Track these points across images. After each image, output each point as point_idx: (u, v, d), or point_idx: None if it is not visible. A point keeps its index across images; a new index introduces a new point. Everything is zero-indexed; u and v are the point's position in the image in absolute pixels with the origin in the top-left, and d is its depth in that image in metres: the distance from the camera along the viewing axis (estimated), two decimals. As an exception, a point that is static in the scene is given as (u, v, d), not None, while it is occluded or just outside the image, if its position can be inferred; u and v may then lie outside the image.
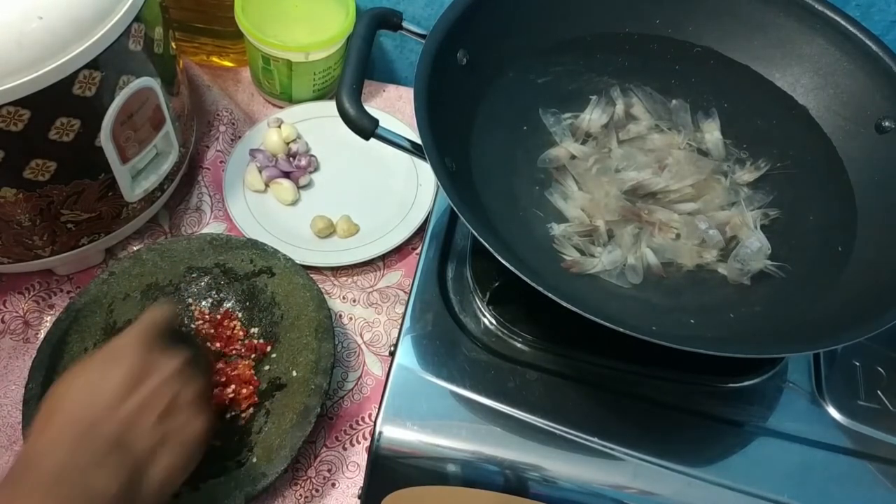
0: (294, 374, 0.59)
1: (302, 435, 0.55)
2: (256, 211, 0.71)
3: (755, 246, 0.50)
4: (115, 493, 0.39)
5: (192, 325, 0.62)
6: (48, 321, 0.63)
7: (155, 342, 0.46)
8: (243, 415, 0.57)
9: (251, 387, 0.58)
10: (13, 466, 0.39)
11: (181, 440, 0.44)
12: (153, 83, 0.58)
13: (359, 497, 0.56)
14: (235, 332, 0.62)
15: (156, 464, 0.42)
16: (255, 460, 0.55)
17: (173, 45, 0.63)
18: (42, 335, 0.62)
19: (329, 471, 0.58)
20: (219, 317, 0.62)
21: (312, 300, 0.61)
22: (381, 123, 0.46)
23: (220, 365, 0.59)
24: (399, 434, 0.47)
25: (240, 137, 0.76)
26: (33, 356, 0.57)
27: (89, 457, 0.39)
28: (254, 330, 0.62)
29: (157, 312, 0.49)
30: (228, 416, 0.57)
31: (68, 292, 0.65)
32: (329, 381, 0.57)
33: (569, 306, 0.39)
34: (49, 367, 0.57)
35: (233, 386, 0.58)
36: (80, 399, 0.42)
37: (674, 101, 0.58)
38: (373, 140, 0.47)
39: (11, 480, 0.38)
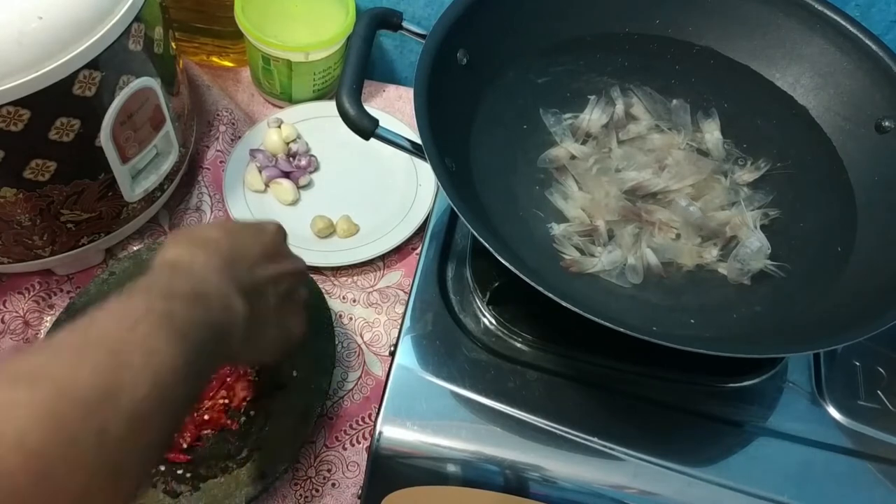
0: (294, 374, 0.59)
1: (302, 435, 0.55)
2: (256, 211, 0.71)
3: (755, 246, 0.50)
4: (242, 326, 0.40)
5: None
6: (48, 321, 0.63)
7: (285, 242, 0.49)
8: (243, 415, 0.57)
9: (247, 381, 0.58)
10: (151, 275, 0.39)
11: (289, 325, 0.47)
12: (153, 83, 0.58)
13: (359, 497, 0.56)
14: None
15: (268, 330, 0.44)
16: (255, 460, 0.55)
17: (173, 45, 0.63)
18: (42, 335, 0.62)
19: (329, 471, 0.58)
20: None
21: (313, 300, 0.61)
22: (381, 123, 0.46)
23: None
24: (399, 434, 0.47)
25: (240, 137, 0.76)
26: (33, 356, 0.57)
27: (231, 287, 0.40)
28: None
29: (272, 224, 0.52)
30: (228, 417, 0.57)
31: (68, 292, 0.65)
32: (329, 382, 0.57)
33: (569, 306, 0.39)
34: (49, 367, 0.57)
35: (228, 380, 0.58)
36: (225, 244, 0.43)
37: (674, 101, 0.58)
38: (373, 140, 0.47)
39: (155, 285, 0.38)
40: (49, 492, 0.28)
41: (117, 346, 0.32)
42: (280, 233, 0.48)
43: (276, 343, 0.46)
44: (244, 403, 0.58)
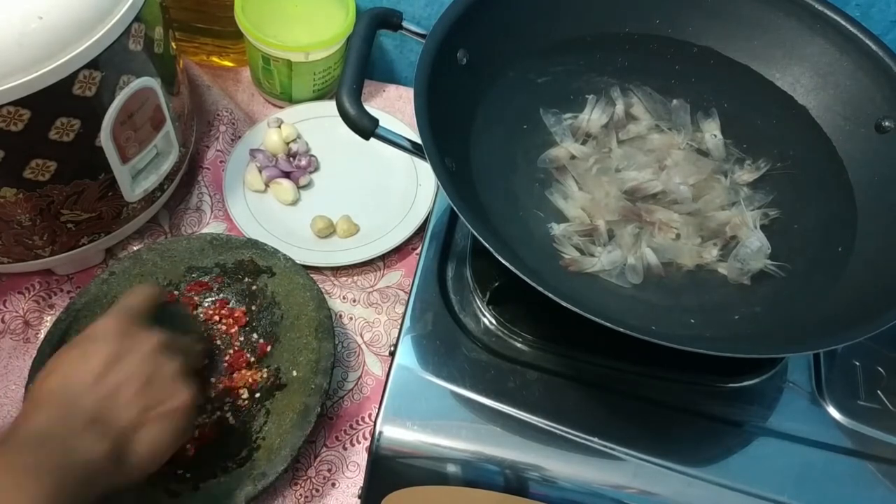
0: (294, 373, 0.59)
1: (302, 434, 0.55)
2: (256, 211, 0.71)
3: (755, 245, 0.50)
4: (97, 460, 0.40)
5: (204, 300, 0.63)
6: (48, 321, 0.63)
7: (134, 323, 0.48)
8: (243, 414, 0.57)
9: (251, 381, 0.58)
10: (2, 433, 0.40)
11: (164, 413, 0.45)
12: (153, 83, 0.58)
13: (359, 497, 0.56)
14: (236, 317, 0.62)
15: (140, 436, 0.44)
16: (255, 460, 0.55)
17: (173, 45, 0.63)
18: (42, 335, 0.62)
19: (329, 470, 0.58)
20: (217, 304, 0.63)
21: (312, 300, 0.61)
22: (381, 123, 0.46)
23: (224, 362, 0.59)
24: (399, 434, 0.47)
25: (240, 137, 0.76)
26: (33, 356, 0.57)
27: (70, 428, 0.41)
28: (254, 335, 0.62)
29: (138, 293, 0.52)
30: (229, 417, 0.57)
31: (68, 292, 0.65)
32: (329, 381, 0.57)
33: (569, 306, 0.39)
34: (49, 367, 0.57)
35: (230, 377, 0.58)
36: (60, 379, 0.44)
37: (674, 101, 0.58)
38: (373, 140, 0.47)
39: (7, 440, 0.40)
40: None
41: None
42: (115, 326, 0.47)
43: (160, 441, 0.45)
44: (243, 403, 0.58)
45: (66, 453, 0.40)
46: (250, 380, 0.59)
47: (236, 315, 0.62)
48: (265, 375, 0.59)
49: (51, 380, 0.44)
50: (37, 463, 0.38)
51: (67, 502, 0.37)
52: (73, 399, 0.43)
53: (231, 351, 0.61)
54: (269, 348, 0.61)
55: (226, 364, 0.60)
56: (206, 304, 0.63)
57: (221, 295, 0.63)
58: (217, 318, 0.62)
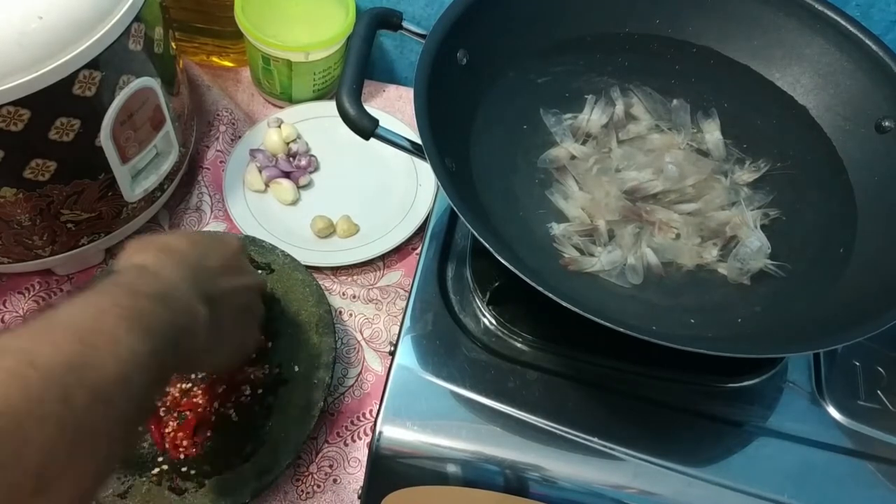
0: (296, 369, 0.59)
1: (305, 429, 0.55)
2: (256, 211, 0.71)
3: (755, 245, 0.50)
4: (205, 333, 0.41)
5: None
6: (48, 321, 0.63)
7: (247, 258, 0.53)
8: (246, 411, 0.57)
9: (253, 377, 0.59)
10: (116, 275, 0.40)
11: (246, 335, 0.50)
12: (153, 83, 0.58)
13: (359, 497, 0.56)
14: None
15: (224, 338, 0.45)
16: (259, 456, 0.55)
17: (173, 45, 0.63)
18: (42, 335, 0.62)
19: (331, 466, 0.58)
20: None
21: (312, 295, 0.62)
22: (381, 123, 0.46)
23: None
24: (399, 434, 0.47)
25: (240, 137, 0.76)
26: (33, 356, 0.57)
27: (194, 294, 0.41)
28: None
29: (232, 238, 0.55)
30: (232, 413, 0.57)
31: (68, 292, 0.65)
32: (331, 376, 0.57)
33: (569, 306, 0.39)
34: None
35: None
36: (190, 252, 0.44)
37: (674, 101, 0.58)
38: (373, 140, 0.47)
39: (121, 284, 0.39)
40: (15, 444, 0.28)
41: (83, 332, 0.33)
42: (241, 248, 0.51)
43: (231, 352, 0.49)
44: (248, 399, 0.58)
45: (179, 315, 0.39)
46: (252, 376, 0.59)
47: None
48: (267, 371, 0.59)
49: (181, 249, 0.44)
50: (152, 316, 0.37)
51: (163, 359, 0.36)
52: (200, 272, 0.43)
53: None
54: (269, 344, 0.61)
55: None
56: None
57: None
58: None
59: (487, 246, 0.41)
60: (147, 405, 0.40)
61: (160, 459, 0.55)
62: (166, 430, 0.56)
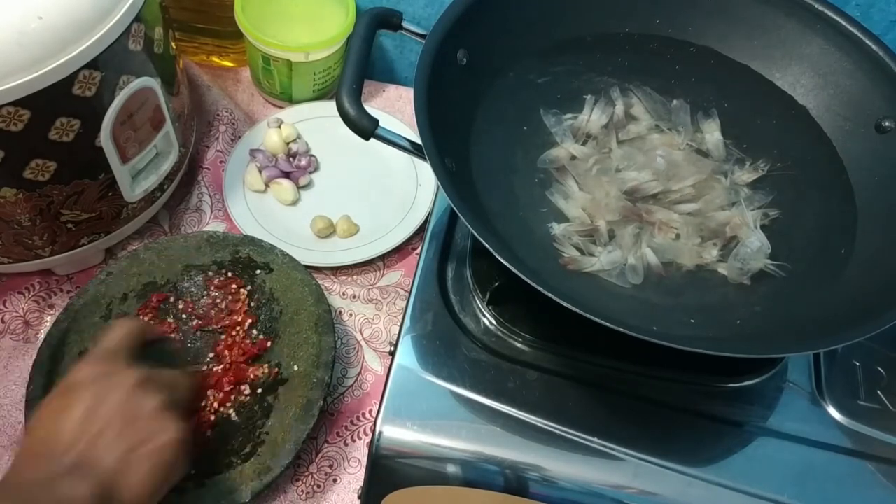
0: (295, 368, 0.59)
1: (305, 429, 0.55)
2: (256, 211, 0.71)
3: (755, 245, 0.50)
4: (86, 500, 0.40)
5: (203, 299, 0.63)
6: (48, 321, 0.63)
7: (113, 363, 0.48)
8: (246, 410, 0.57)
9: (252, 377, 0.59)
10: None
11: (150, 451, 0.44)
12: (153, 83, 0.58)
13: (359, 497, 0.56)
14: (241, 298, 0.62)
15: (129, 478, 0.43)
16: (259, 455, 0.55)
17: (173, 45, 0.63)
18: (42, 335, 0.62)
19: (331, 466, 0.58)
20: (222, 279, 0.63)
21: (311, 295, 0.62)
22: (381, 123, 0.46)
23: (219, 367, 0.59)
24: (399, 434, 0.47)
25: (240, 137, 0.76)
26: (33, 357, 0.57)
27: (52, 474, 0.41)
28: (254, 330, 0.62)
29: (118, 329, 0.51)
30: (232, 413, 0.57)
31: (68, 292, 0.65)
32: (331, 375, 0.57)
33: (569, 306, 0.39)
34: (49, 368, 0.57)
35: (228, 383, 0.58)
36: (44, 433, 0.44)
37: (674, 101, 0.58)
38: (373, 140, 0.47)
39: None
40: None
41: None
42: (97, 364, 0.47)
43: (150, 478, 0.44)
44: (247, 399, 0.58)
45: (48, 499, 0.39)
46: (252, 375, 0.59)
47: (241, 297, 0.62)
48: (266, 371, 0.59)
49: (35, 435, 0.44)
50: None
51: None
52: (56, 448, 0.43)
53: (231, 341, 0.60)
54: (269, 344, 0.61)
55: (228, 360, 0.59)
56: (205, 302, 0.63)
57: (219, 280, 0.64)
58: (220, 300, 0.63)
59: (487, 246, 0.41)
60: None
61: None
62: None
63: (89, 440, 0.43)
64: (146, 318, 0.61)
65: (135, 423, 0.45)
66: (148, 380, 0.48)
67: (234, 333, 0.61)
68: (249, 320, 0.62)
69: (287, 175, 0.73)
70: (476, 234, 0.42)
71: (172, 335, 0.60)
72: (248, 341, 0.61)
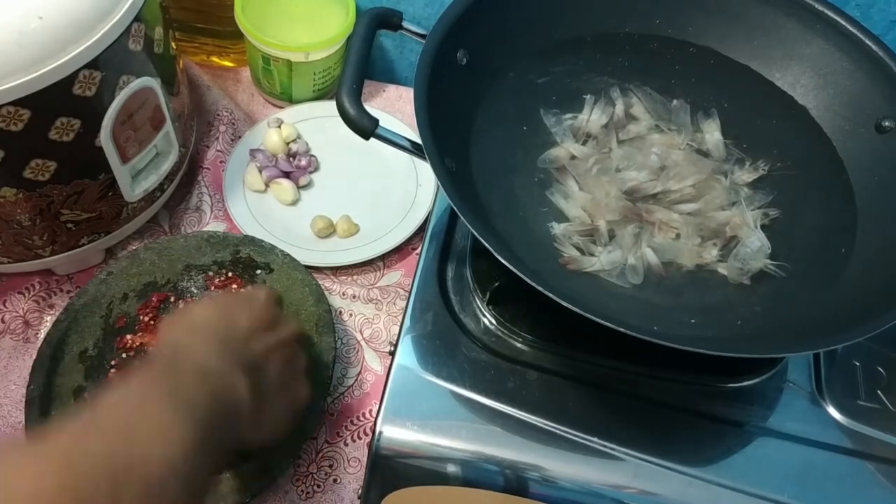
0: (295, 369, 0.59)
1: (305, 429, 0.55)
2: (256, 211, 0.71)
3: (755, 245, 0.50)
4: (248, 404, 0.40)
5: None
6: (48, 321, 0.63)
7: (279, 307, 0.51)
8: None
9: None
10: (152, 358, 0.41)
11: (294, 396, 0.48)
12: (153, 83, 0.58)
13: (359, 497, 0.56)
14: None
15: (274, 404, 0.45)
16: (259, 456, 0.55)
17: (173, 45, 0.63)
18: (42, 335, 0.62)
19: (331, 466, 0.58)
20: (222, 279, 0.63)
21: (311, 295, 0.62)
22: (381, 123, 0.46)
23: None
24: (399, 434, 0.47)
25: (240, 137, 0.76)
26: (33, 357, 0.57)
27: (232, 365, 0.41)
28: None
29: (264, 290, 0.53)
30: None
31: (68, 292, 0.65)
32: (331, 375, 0.57)
33: (569, 306, 0.39)
34: (49, 368, 0.57)
35: None
36: (220, 324, 0.45)
37: (674, 102, 0.58)
38: (373, 140, 0.47)
39: (159, 365, 0.39)
40: None
41: (126, 424, 0.33)
42: (270, 300, 0.50)
43: (284, 414, 0.47)
44: None
45: (219, 388, 0.39)
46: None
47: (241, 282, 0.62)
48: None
49: (208, 320, 0.44)
50: (193, 395, 0.37)
51: (212, 437, 0.36)
52: (231, 338, 0.43)
53: None
54: None
55: None
56: (212, 292, 0.63)
57: (219, 292, 0.63)
58: (223, 283, 0.63)
59: (487, 246, 0.41)
60: (201, 486, 0.38)
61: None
62: None
63: (261, 351, 0.45)
64: (146, 319, 0.61)
65: (293, 362, 0.48)
66: (300, 337, 0.51)
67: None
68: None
69: (287, 175, 0.73)
70: (476, 234, 0.42)
71: None
72: None
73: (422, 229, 0.70)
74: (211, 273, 0.64)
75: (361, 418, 0.61)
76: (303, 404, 0.49)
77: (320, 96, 0.81)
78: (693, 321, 0.48)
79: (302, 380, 0.50)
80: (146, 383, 0.36)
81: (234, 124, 0.77)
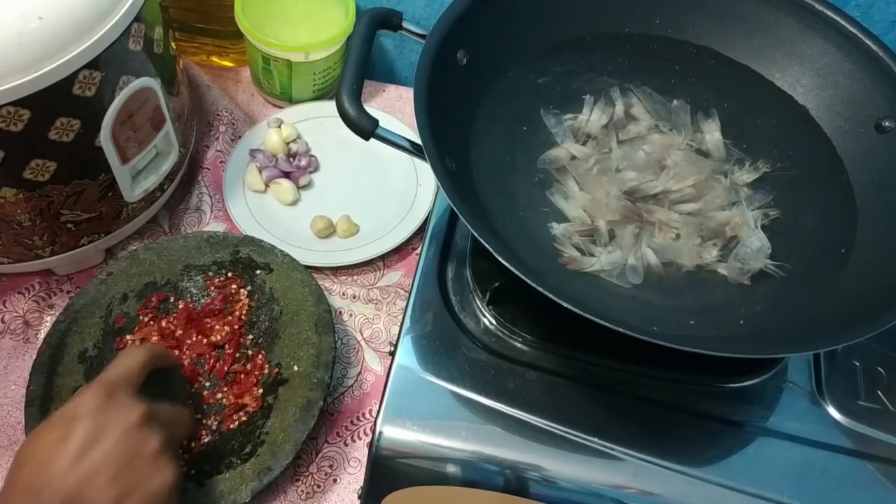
0: (295, 368, 0.59)
1: (305, 429, 0.55)
2: (256, 211, 0.71)
3: (755, 245, 0.50)
4: None
5: (203, 299, 0.63)
6: (48, 321, 0.63)
7: (117, 394, 0.45)
8: (245, 411, 0.57)
9: (255, 391, 0.58)
10: None
11: (144, 495, 0.43)
12: (153, 83, 0.58)
13: (359, 497, 0.56)
14: (241, 298, 0.62)
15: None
16: (259, 455, 0.55)
17: (173, 45, 0.63)
18: (42, 335, 0.62)
19: (331, 466, 0.58)
20: (222, 279, 0.63)
21: (311, 295, 0.62)
22: (381, 123, 0.46)
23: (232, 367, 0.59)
24: (399, 434, 0.47)
25: (240, 137, 0.76)
26: (33, 357, 0.57)
27: None
28: (250, 337, 0.61)
29: (130, 356, 0.49)
30: (236, 419, 0.57)
31: (68, 292, 0.65)
32: (331, 375, 0.57)
33: (569, 307, 0.39)
34: (49, 368, 0.57)
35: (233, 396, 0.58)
36: (35, 464, 0.42)
37: (674, 102, 0.58)
38: (373, 140, 0.47)
39: None
40: None
41: None
42: (99, 397, 0.45)
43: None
44: (245, 406, 0.58)
45: None
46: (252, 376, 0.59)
47: (241, 297, 0.62)
48: (267, 371, 0.59)
49: (26, 465, 0.42)
50: None
51: None
52: (48, 484, 0.41)
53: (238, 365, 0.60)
54: (259, 356, 0.60)
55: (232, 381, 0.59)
56: (206, 302, 0.63)
57: (219, 280, 0.63)
58: (222, 284, 0.63)
59: (487, 246, 0.41)
60: None
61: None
62: None
63: (81, 479, 0.41)
64: (146, 319, 0.61)
65: (131, 466, 0.43)
66: (150, 417, 0.46)
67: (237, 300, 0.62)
68: (249, 321, 0.62)
69: (287, 175, 0.73)
70: (476, 234, 0.42)
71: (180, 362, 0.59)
72: (248, 344, 0.61)
73: (422, 229, 0.70)
74: (211, 273, 0.64)
75: (361, 418, 0.61)
76: (164, 495, 0.44)
77: (320, 96, 0.81)
78: (693, 321, 0.48)
79: (151, 474, 0.44)
80: None
81: (234, 124, 0.77)
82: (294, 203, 0.73)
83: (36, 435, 0.44)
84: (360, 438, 0.60)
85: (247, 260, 0.64)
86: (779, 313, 0.48)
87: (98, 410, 0.44)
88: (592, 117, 0.57)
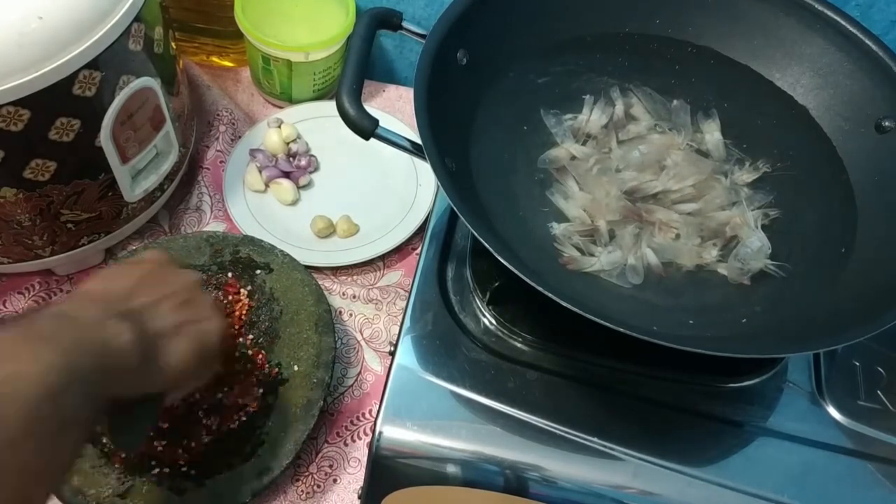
0: (295, 368, 0.59)
1: (305, 429, 0.55)
2: (256, 211, 0.71)
3: (756, 245, 0.50)
4: (121, 348, 0.39)
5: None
6: (48, 321, 0.63)
7: (173, 263, 0.49)
8: (244, 411, 0.57)
9: (254, 390, 0.58)
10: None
11: (199, 330, 0.45)
12: (153, 83, 0.58)
13: (359, 497, 0.56)
14: (241, 298, 0.62)
15: (172, 345, 0.43)
16: (259, 455, 0.55)
17: (173, 45, 0.63)
18: (42, 335, 0.62)
19: (331, 466, 0.58)
20: (222, 280, 0.63)
21: (311, 295, 0.62)
22: (381, 123, 0.46)
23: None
24: (399, 434, 0.47)
25: (240, 137, 0.76)
26: (33, 356, 0.57)
27: (101, 314, 0.40)
28: (251, 337, 0.61)
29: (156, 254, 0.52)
30: (236, 419, 0.57)
31: (68, 292, 0.65)
32: (331, 375, 0.57)
33: (569, 307, 0.39)
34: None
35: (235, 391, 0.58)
36: (102, 282, 0.44)
37: (674, 102, 0.58)
38: (373, 140, 0.47)
39: (29, 322, 0.38)
40: None
41: None
42: (159, 260, 0.48)
43: (190, 353, 0.44)
44: (244, 406, 0.58)
45: (89, 331, 0.38)
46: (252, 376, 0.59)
47: (241, 297, 0.62)
48: (267, 371, 0.59)
49: (93, 282, 0.44)
50: (55, 335, 0.36)
51: (83, 380, 0.35)
52: (111, 297, 0.42)
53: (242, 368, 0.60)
54: (259, 356, 0.60)
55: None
56: (212, 292, 0.63)
57: (219, 292, 0.63)
58: (221, 285, 0.63)
59: (487, 246, 0.41)
60: (61, 444, 0.36)
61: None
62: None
63: (147, 301, 0.43)
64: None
65: (189, 305, 0.46)
66: (201, 284, 0.50)
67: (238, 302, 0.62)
68: (249, 321, 0.62)
69: (287, 175, 0.73)
70: (476, 234, 0.42)
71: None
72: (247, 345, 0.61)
73: (422, 229, 0.70)
74: (211, 273, 0.64)
75: (361, 418, 0.61)
76: (214, 338, 0.46)
77: (320, 96, 0.81)
78: (693, 321, 0.48)
79: (207, 316, 0.47)
80: (7, 332, 0.36)
81: (234, 124, 0.77)
82: (294, 203, 0.73)
83: (100, 273, 0.47)
84: (360, 438, 0.60)
85: (247, 260, 0.65)
86: (779, 313, 0.48)
87: (164, 262, 0.48)
88: (592, 117, 0.57)
